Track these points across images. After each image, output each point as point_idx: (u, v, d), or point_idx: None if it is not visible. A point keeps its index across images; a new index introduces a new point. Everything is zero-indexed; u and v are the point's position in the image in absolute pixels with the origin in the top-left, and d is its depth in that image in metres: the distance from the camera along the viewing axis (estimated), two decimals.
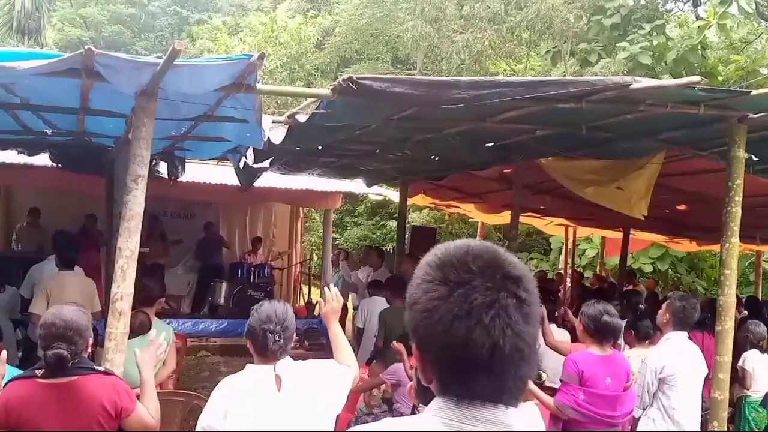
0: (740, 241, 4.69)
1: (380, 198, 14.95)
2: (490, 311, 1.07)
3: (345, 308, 10.13)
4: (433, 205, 13.66)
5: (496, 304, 1.08)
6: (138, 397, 3.14)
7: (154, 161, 7.68)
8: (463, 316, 1.08)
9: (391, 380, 5.14)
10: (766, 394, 5.51)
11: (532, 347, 1.12)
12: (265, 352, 2.80)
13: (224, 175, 9.72)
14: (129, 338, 4.44)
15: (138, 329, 4.77)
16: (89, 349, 3.06)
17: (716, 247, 6.02)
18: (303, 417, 2.74)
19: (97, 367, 3.06)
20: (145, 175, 3.77)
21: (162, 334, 3.55)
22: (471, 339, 1.07)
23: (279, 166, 8.37)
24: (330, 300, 3.20)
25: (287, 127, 5.26)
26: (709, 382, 4.64)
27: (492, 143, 6.59)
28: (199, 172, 9.80)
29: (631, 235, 12.23)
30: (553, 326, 5.95)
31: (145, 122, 3.80)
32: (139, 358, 3.25)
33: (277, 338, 2.78)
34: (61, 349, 2.81)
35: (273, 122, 5.32)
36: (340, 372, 2.95)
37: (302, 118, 4.98)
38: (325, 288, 3.32)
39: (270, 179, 9.46)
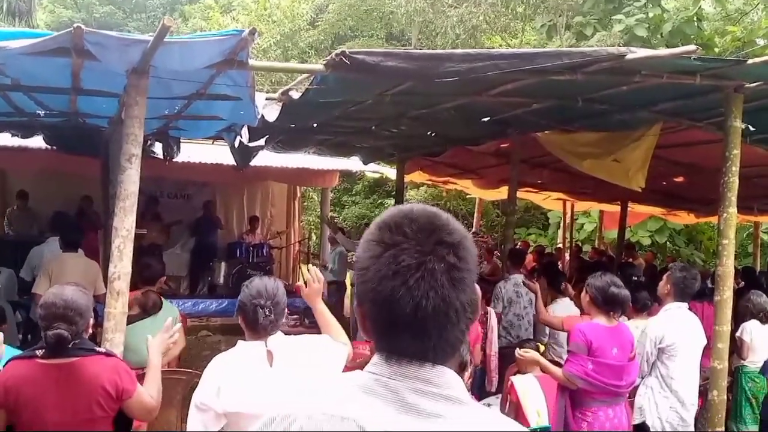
0: (738, 211, 4.68)
1: (377, 176, 14.92)
2: (416, 273, 1.10)
3: (344, 285, 10.17)
4: (430, 182, 13.64)
5: (423, 266, 1.10)
6: (141, 377, 3.14)
7: (149, 142, 7.65)
8: (390, 276, 1.11)
9: None
10: (765, 362, 5.52)
11: (461, 313, 1.13)
12: (256, 326, 2.80)
13: (220, 155, 9.68)
14: (141, 318, 4.48)
15: (151, 309, 4.79)
16: (90, 330, 3.05)
17: (714, 219, 6.00)
18: (295, 392, 2.73)
19: (98, 348, 3.05)
20: (139, 154, 3.75)
21: (170, 319, 3.54)
22: (395, 298, 1.10)
23: (274, 145, 8.34)
24: (311, 281, 3.14)
25: (281, 104, 5.23)
26: (708, 352, 4.67)
27: (488, 117, 6.55)
28: (195, 152, 9.77)
29: (629, 209, 12.25)
30: (566, 300, 6.03)
31: (138, 101, 3.77)
32: (150, 342, 3.25)
33: (267, 313, 2.78)
34: (62, 330, 2.80)
35: (266, 99, 5.29)
36: (334, 348, 2.94)
37: (296, 94, 4.95)
38: (304, 268, 3.28)
39: (266, 158, 9.43)
